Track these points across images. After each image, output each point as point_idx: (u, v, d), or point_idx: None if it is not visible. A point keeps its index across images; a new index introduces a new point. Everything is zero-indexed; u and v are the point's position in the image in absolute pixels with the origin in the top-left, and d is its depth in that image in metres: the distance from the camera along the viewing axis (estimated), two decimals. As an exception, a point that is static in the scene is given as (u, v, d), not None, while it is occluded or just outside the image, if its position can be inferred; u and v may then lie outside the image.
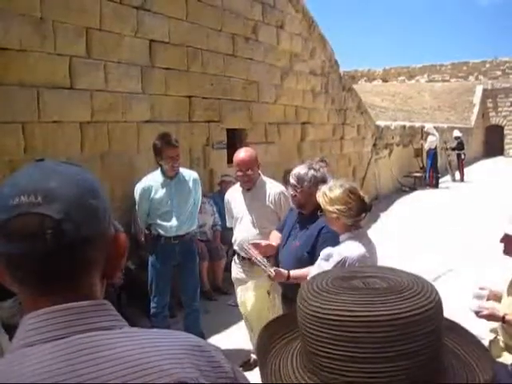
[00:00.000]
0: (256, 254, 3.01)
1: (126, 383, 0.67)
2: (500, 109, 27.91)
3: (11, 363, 0.68)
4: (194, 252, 4.10)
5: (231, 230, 3.89)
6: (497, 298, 2.70)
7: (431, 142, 14.72)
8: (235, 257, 3.80)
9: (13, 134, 3.89)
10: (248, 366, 3.81)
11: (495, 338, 2.66)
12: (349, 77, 13.76)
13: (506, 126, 27.76)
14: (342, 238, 2.60)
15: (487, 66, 31.59)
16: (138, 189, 3.93)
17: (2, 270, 0.74)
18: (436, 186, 14.74)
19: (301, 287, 0.86)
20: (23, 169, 0.77)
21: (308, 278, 2.46)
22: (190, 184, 3.98)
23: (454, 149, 16.55)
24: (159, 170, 3.93)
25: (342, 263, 2.40)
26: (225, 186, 5.55)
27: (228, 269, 4.88)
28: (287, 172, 6.71)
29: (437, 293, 0.78)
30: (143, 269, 4.27)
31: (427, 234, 8.21)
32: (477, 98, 27.26)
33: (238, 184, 3.78)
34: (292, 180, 3.01)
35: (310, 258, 2.78)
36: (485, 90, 27.72)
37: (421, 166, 15.29)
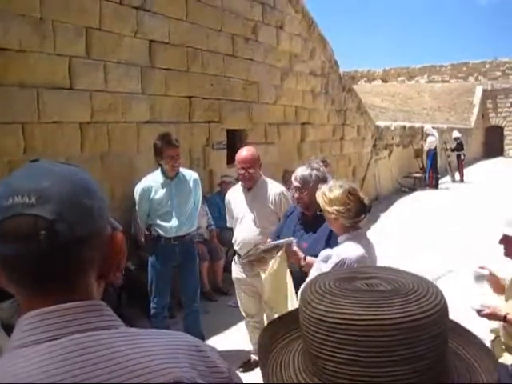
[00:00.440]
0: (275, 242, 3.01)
1: (123, 383, 0.67)
2: (500, 109, 27.91)
3: (5, 364, 0.68)
4: (193, 253, 4.10)
5: (231, 230, 3.89)
6: (496, 282, 2.67)
7: (431, 142, 14.72)
8: (235, 257, 3.80)
9: (12, 135, 3.88)
10: (248, 366, 3.81)
11: (496, 338, 2.65)
12: (349, 77, 13.76)
13: (506, 126, 27.75)
14: (340, 239, 2.59)
15: (487, 66, 31.60)
16: (138, 189, 3.93)
17: None
18: (436, 186, 14.74)
19: (302, 289, 0.85)
20: (18, 170, 0.77)
21: (307, 280, 2.45)
22: (191, 184, 3.98)
23: (453, 149, 16.55)
24: (159, 170, 3.92)
25: (340, 264, 2.39)
26: (225, 186, 5.55)
27: (228, 269, 4.88)
28: (286, 172, 6.72)
29: (442, 295, 0.77)
30: (143, 269, 4.26)
31: (427, 235, 8.20)
32: (476, 99, 27.26)
33: (238, 184, 3.78)
34: (296, 183, 3.00)
35: None
36: (484, 91, 27.72)
37: (421, 166, 15.30)
